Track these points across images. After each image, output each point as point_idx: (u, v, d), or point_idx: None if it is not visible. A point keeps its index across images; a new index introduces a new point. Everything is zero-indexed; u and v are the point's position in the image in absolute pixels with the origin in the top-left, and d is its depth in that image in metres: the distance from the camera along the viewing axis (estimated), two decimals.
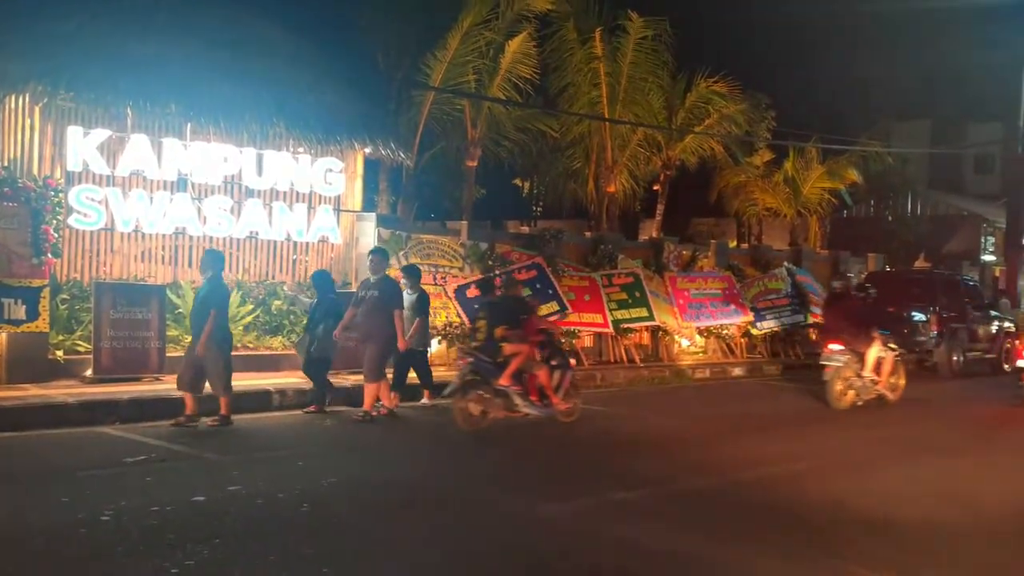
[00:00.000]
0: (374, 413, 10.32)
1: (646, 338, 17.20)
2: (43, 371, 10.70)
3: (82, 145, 11.78)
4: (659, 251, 18.08)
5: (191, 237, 12.88)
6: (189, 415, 9.38)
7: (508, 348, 10.00)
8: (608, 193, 20.42)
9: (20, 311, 10.45)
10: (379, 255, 10.91)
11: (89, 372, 10.92)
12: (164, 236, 12.65)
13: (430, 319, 13.89)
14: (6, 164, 11.16)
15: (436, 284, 14.26)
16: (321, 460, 8.33)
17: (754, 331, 18.49)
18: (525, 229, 20.32)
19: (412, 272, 11.76)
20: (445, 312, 14.18)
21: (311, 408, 10.65)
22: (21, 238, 10.60)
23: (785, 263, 20.06)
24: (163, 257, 12.81)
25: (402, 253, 14.09)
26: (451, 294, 14.18)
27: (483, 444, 9.42)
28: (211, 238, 13.03)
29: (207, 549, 5.39)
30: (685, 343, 18.05)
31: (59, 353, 11.14)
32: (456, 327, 14.13)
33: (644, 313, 16.18)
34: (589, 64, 19.41)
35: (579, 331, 15.79)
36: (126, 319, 11.10)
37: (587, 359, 15.83)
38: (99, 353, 10.92)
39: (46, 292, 10.71)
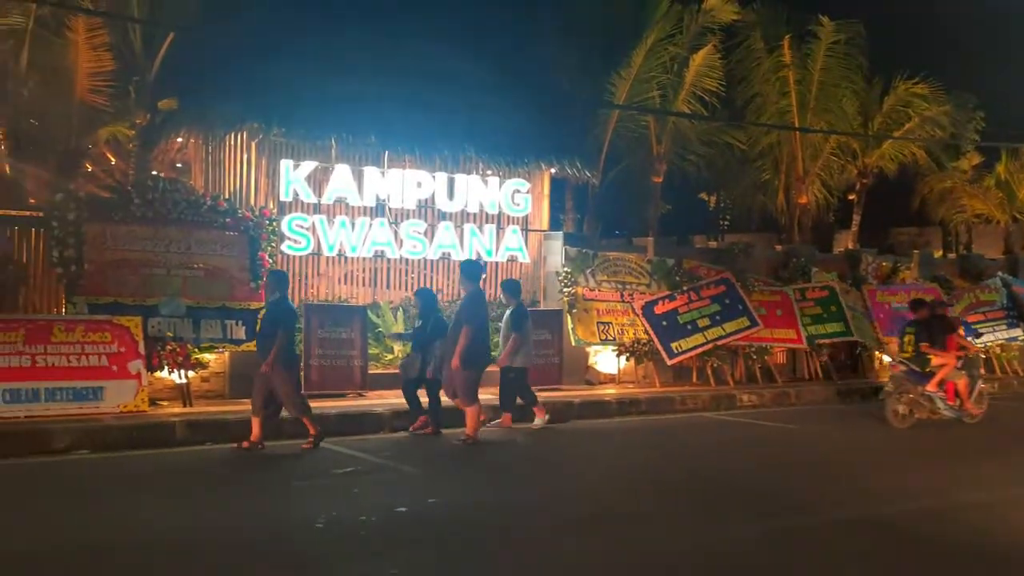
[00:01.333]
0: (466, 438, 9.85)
1: (843, 354, 16.47)
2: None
3: (293, 176, 12.71)
4: (856, 263, 17.31)
5: (389, 260, 13.60)
6: (254, 441, 9.10)
7: (936, 360, 11.85)
8: (799, 204, 19.75)
9: (240, 331, 11.39)
10: (462, 269, 10.57)
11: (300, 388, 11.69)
12: (364, 259, 13.41)
13: (617, 336, 14.01)
14: (227, 196, 12.20)
15: (623, 301, 14.32)
16: (514, 474, 8.55)
17: None
18: (713, 244, 20.05)
19: (507, 287, 11.44)
20: (633, 329, 14.18)
21: (425, 429, 10.24)
22: (240, 264, 11.57)
23: (999, 273, 18.66)
24: (363, 279, 13.58)
25: (589, 271, 14.25)
26: (639, 311, 14.16)
27: (660, 460, 9.34)
28: (407, 260, 13.70)
29: (411, 557, 5.67)
30: (887, 359, 17.12)
31: None
32: (644, 344, 14.09)
33: (840, 328, 15.52)
34: (777, 73, 18.90)
35: (771, 347, 15.35)
36: (332, 338, 11.84)
37: (780, 376, 15.37)
38: (309, 370, 11.70)
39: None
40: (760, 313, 14.94)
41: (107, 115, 12.56)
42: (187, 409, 10.53)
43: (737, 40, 18.95)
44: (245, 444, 9.10)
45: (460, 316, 9.98)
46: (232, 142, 12.84)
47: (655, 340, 14.02)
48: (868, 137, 20.25)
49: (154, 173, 13.34)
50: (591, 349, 14.36)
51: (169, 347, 10.66)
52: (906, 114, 20.17)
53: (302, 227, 12.76)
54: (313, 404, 10.92)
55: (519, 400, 11.08)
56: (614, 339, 14.09)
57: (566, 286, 13.86)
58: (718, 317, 14.50)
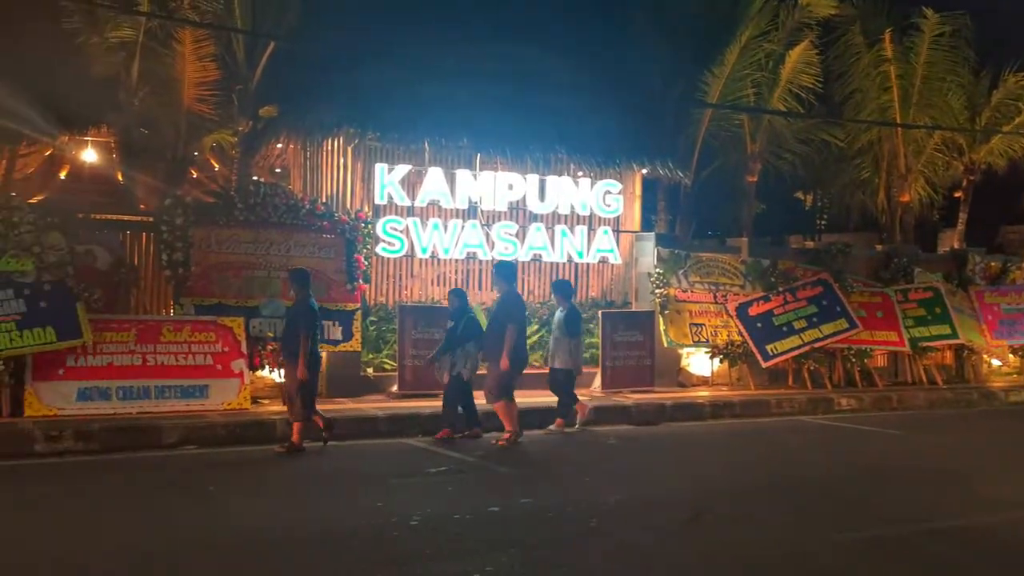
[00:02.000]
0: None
1: (949, 357, 15.90)
2: (356, 387, 11.85)
3: (387, 180, 12.97)
4: (962, 263, 16.68)
5: (480, 261, 13.73)
6: (325, 435, 9.34)
7: None
8: (901, 203, 19.08)
9: (337, 332, 11.68)
10: (496, 270, 10.37)
11: (395, 388, 11.93)
12: (457, 261, 13.57)
13: (711, 337, 13.84)
14: (324, 200, 12.52)
15: (717, 303, 14.14)
16: (606, 476, 8.52)
17: None
18: (809, 244, 19.54)
19: (559, 288, 11.33)
20: (726, 331, 13.99)
21: (445, 433, 9.98)
22: (337, 266, 11.87)
23: None
24: (456, 280, 13.73)
25: (681, 272, 14.12)
26: (733, 312, 13.96)
27: (755, 463, 9.18)
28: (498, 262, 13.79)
29: (504, 556, 5.73)
30: (996, 363, 16.45)
31: (369, 371, 12.29)
32: (738, 346, 13.88)
33: (946, 330, 14.96)
34: (878, 68, 18.30)
35: (871, 350, 14.92)
36: (425, 339, 12.00)
37: (881, 380, 14.91)
38: (403, 370, 11.92)
39: (358, 315, 11.89)
40: (859, 315, 14.54)
41: (212, 123, 13.01)
42: (286, 407, 10.82)
43: (835, 35, 18.41)
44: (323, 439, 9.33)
45: (498, 317, 9.88)
46: (329, 147, 13.16)
47: (749, 342, 13.80)
48: (975, 132, 19.43)
49: (255, 178, 13.77)
50: (684, 351, 14.22)
51: (270, 347, 11.00)
52: (1016, 107, 19.27)
53: (396, 229, 12.99)
54: (407, 404, 11.17)
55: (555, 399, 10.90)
56: (707, 341, 13.93)
57: (658, 287, 13.76)
58: (815, 319, 14.18)
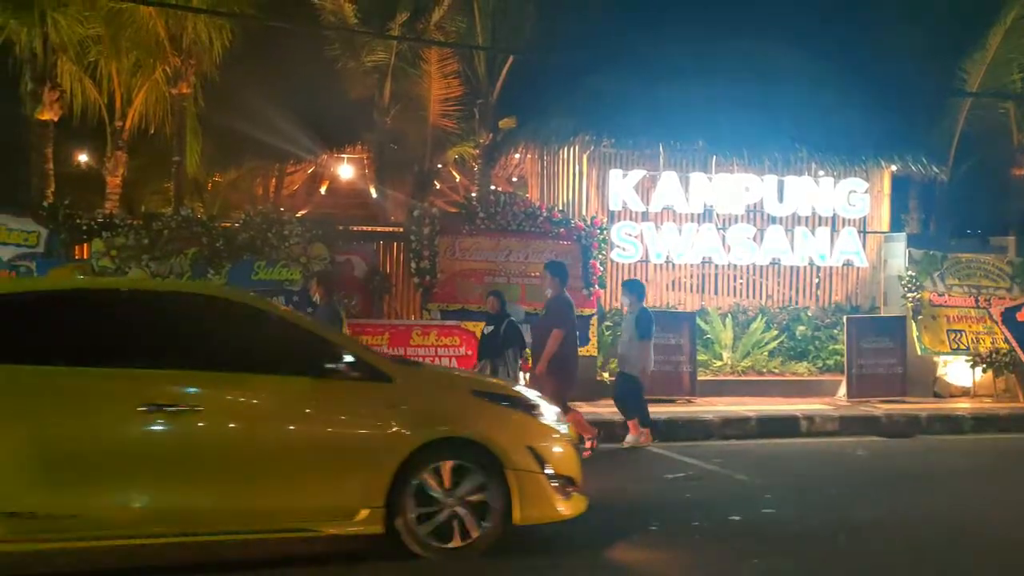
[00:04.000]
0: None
1: None
2: (593, 390, 11.96)
3: (621, 186, 13.07)
4: None
5: (716, 266, 13.51)
6: None
7: None
8: None
9: None
10: (549, 269, 9.52)
11: None
12: (691, 266, 13.43)
13: (971, 345, 12.84)
14: (560, 207, 12.82)
15: (979, 307, 13.09)
16: (855, 490, 8.10)
17: None
18: None
19: (630, 288, 10.26)
20: (990, 337, 12.91)
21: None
22: (574, 272, 12.06)
23: None
24: (691, 285, 13.58)
25: (937, 274, 13.20)
26: (997, 318, 12.85)
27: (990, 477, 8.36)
28: (735, 266, 13.51)
29: (745, 569, 5.62)
30: None
31: (604, 375, 12.40)
32: (1004, 354, 12.74)
33: None
34: None
35: None
36: (661, 344, 11.91)
37: None
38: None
39: (594, 320, 12.06)
40: None
41: (455, 137, 13.74)
42: None
43: None
44: None
45: (546, 320, 9.08)
46: (564, 155, 13.47)
47: (1018, 350, 12.64)
48: None
49: (494, 188, 14.35)
50: (940, 359, 13.25)
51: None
52: None
53: (630, 235, 13.05)
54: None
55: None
56: (967, 348, 12.92)
57: (910, 291, 12.92)
58: None
